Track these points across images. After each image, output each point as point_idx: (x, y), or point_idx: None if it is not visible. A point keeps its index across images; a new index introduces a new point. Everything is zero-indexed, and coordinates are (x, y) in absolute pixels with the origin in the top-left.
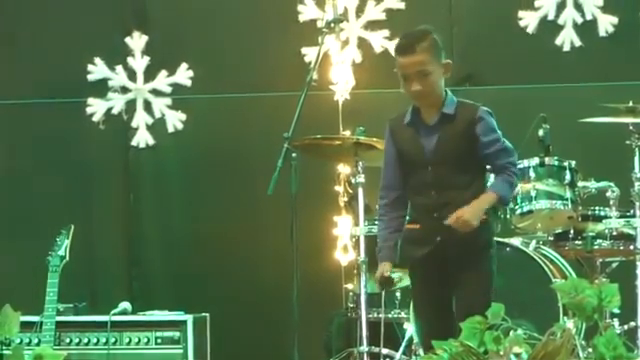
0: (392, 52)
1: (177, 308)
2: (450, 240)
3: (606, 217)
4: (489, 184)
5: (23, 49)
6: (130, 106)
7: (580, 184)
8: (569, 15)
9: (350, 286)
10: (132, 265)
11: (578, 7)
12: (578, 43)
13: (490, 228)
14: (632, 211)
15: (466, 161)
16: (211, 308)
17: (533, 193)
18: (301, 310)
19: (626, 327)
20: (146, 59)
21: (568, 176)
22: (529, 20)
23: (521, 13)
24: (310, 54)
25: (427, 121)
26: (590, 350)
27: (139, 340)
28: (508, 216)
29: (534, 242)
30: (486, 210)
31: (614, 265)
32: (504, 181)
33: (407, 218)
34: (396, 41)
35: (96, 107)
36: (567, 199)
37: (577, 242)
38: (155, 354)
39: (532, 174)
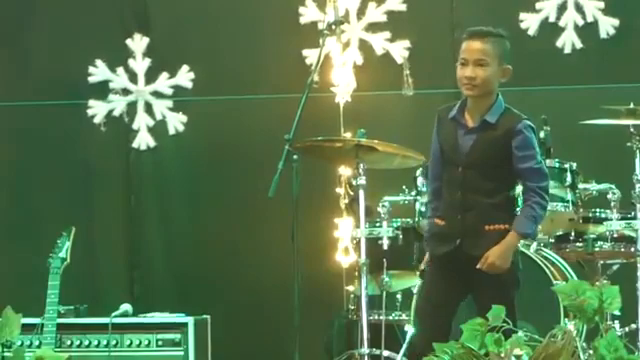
0: (394, 54)
1: (178, 310)
2: (470, 244)
3: (607, 219)
4: (515, 220)
5: (24, 51)
6: (131, 108)
7: (581, 186)
8: (570, 17)
9: (351, 288)
10: (133, 267)
11: (579, 9)
12: (579, 45)
13: None
14: (633, 213)
15: (496, 170)
16: (212, 310)
17: None
18: (302, 312)
19: (627, 329)
20: (147, 61)
21: (569, 178)
22: (530, 22)
23: (522, 15)
24: (311, 56)
25: (469, 123)
26: (591, 352)
27: (140, 342)
28: None
29: (535, 244)
30: (508, 218)
31: (615, 267)
32: (528, 217)
33: (437, 212)
34: (398, 42)
35: (97, 109)
36: (568, 201)
37: (578, 244)
38: (156, 356)
39: None
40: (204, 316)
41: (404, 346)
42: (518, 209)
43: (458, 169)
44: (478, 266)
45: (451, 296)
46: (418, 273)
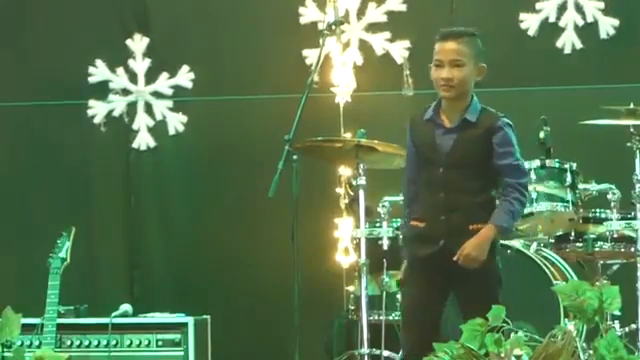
0: (394, 54)
1: (178, 310)
2: (455, 244)
3: (607, 219)
4: (493, 213)
5: (24, 51)
6: (131, 108)
7: (581, 186)
8: (570, 17)
9: (351, 288)
10: (133, 267)
11: (579, 9)
12: (579, 45)
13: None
14: (633, 213)
15: (479, 168)
16: (212, 310)
17: (534, 195)
18: (302, 312)
19: (627, 329)
20: (147, 61)
21: (569, 178)
22: (530, 22)
23: (522, 15)
24: (311, 56)
25: (446, 123)
26: (591, 352)
27: (140, 342)
28: None
29: (535, 244)
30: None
31: (615, 267)
32: (506, 211)
33: (413, 214)
34: (398, 43)
35: (97, 109)
36: (568, 201)
37: (578, 244)
38: (156, 356)
39: (533, 176)
40: (204, 316)
41: None
42: None
43: (439, 170)
44: (455, 258)
45: (436, 297)
46: (395, 281)
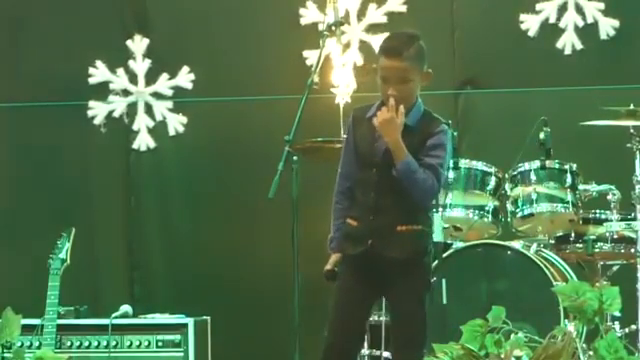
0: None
1: (178, 311)
2: (381, 245)
3: (607, 220)
4: None
5: (24, 51)
6: (131, 109)
7: (581, 187)
8: (570, 18)
9: None
10: (133, 268)
11: (579, 10)
12: (579, 46)
13: (428, 235)
14: (633, 214)
15: None
16: (212, 311)
17: (534, 196)
18: (302, 313)
19: (627, 330)
20: (147, 62)
21: (569, 179)
22: (530, 23)
23: (522, 16)
24: (311, 57)
25: None
26: (591, 353)
27: (140, 343)
28: (509, 219)
29: (535, 245)
30: (421, 219)
31: (615, 268)
32: (419, 167)
33: (349, 212)
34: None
35: (97, 110)
36: (568, 202)
37: (578, 245)
38: (156, 357)
39: (533, 177)
40: (204, 317)
41: None
42: (433, 212)
43: (372, 170)
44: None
45: (367, 295)
46: (324, 272)
